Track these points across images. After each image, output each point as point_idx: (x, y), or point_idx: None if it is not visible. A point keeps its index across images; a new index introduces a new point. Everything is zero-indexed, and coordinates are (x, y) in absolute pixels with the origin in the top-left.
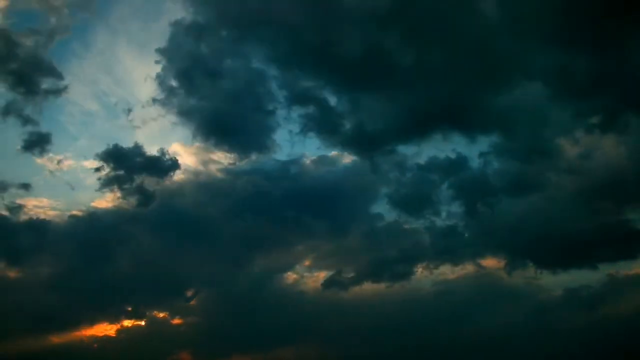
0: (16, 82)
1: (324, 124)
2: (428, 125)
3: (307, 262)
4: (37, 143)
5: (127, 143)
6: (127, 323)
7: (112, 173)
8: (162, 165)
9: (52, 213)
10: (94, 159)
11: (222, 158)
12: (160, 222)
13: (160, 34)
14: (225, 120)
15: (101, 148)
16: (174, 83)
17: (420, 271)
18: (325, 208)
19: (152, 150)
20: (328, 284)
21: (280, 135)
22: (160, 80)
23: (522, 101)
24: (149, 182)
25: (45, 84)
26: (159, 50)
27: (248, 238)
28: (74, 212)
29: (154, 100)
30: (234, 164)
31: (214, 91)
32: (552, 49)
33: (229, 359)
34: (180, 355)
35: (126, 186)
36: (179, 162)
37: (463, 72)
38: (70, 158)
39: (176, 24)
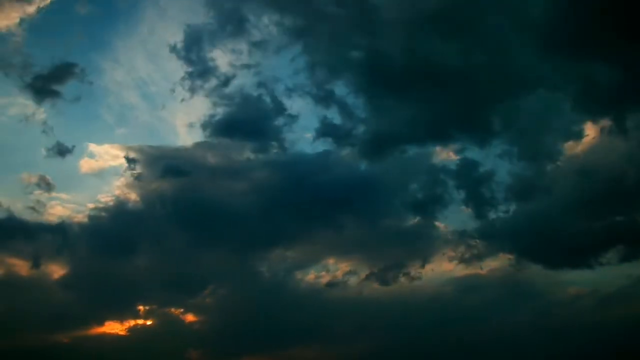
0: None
1: (341, 125)
2: (442, 128)
3: (321, 261)
4: (62, 152)
5: (161, 133)
6: (140, 321)
7: (137, 172)
8: (186, 165)
9: (72, 206)
10: (123, 154)
11: (245, 155)
12: (179, 218)
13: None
14: (246, 119)
15: (135, 139)
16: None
17: (432, 270)
18: (336, 209)
19: (185, 140)
20: (341, 283)
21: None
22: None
23: (535, 106)
24: (172, 180)
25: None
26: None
27: (263, 234)
28: (95, 208)
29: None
30: (254, 159)
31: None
32: (567, 56)
33: (245, 357)
34: (194, 354)
35: (150, 184)
36: (203, 155)
37: (480, 78)
38: (101, 149)
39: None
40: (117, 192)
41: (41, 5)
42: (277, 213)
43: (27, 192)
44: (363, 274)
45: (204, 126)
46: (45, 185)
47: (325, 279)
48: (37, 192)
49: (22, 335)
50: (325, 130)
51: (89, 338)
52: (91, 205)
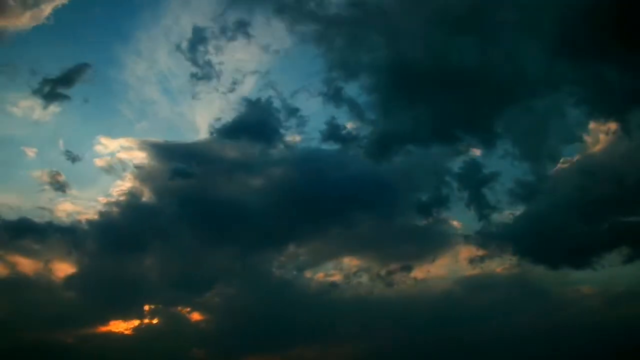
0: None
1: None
2: (448, 131)
3: (330, 260)
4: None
5: (181, 128)
6: (146, 320)
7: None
8: (198, 161)
9: (82, 202)
10: (136, 149)
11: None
12: (188, 214)
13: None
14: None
15: (152, 134)
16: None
17: (441, 269)
18: (346, 207)
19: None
20: (350, 282)
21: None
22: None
23: (545, 109)
24: (182, 177)
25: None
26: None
27: (272, 232)
28: (107, 203)
29: None
30: (264, 157)
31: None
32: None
33: (254, 355)
34: (201, 352)
35: (162, 182)
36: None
37: (492, 81)
38: (117, 145)
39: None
40: (126, 189)
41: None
42: (287, 210)
43: (39, 190)
44: (372, 273)
45: (211, 132)
46: (56, 182)
47: (331, 278)
48: (48, 188)
49: (29, 334)
50: (336, 131)
51: (97, 336)
52: (103, 201)
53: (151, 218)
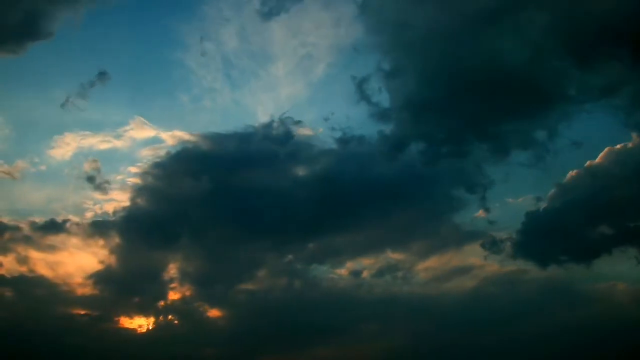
0: None
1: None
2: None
3: (353, 258)
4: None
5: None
6: (162, 317)
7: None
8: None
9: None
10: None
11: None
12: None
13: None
14: None
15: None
16: None
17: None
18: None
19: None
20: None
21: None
22: None
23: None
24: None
25: None
26: None
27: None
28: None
29: None
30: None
31: None
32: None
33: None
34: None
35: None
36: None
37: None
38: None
39: None
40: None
41: None
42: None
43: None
44: (389, 274)
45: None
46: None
47: (353, 277)
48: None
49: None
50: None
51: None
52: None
53: (177, 209)
